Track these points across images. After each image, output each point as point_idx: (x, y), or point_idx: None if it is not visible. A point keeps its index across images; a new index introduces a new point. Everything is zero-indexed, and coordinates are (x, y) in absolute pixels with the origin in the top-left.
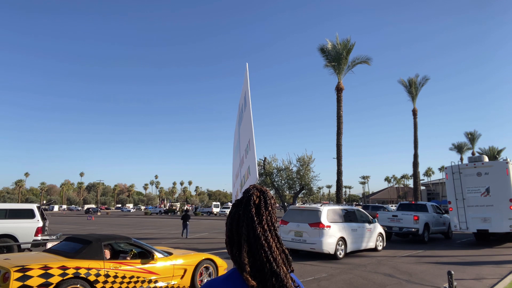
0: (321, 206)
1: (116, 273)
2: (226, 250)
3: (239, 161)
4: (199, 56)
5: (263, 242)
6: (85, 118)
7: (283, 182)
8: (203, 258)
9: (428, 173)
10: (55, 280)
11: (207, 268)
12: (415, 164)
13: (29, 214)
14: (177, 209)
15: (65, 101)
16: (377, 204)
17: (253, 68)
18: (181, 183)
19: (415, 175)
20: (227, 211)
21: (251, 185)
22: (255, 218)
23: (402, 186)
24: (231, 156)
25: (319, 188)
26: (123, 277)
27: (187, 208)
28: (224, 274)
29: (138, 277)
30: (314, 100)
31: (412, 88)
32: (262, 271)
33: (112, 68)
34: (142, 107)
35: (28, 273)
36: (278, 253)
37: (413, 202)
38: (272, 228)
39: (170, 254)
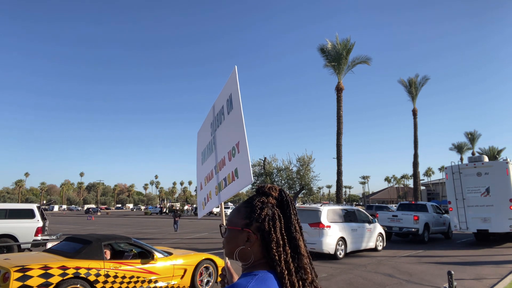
0: (321, 206)
1: (116, 273)
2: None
3: (214, 164)
4: (198, 56)
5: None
6: (85, 118)
7: (283, 182)
8: (203, 258)
9: (428, 173)
10: (55, 280)
11: (207, 268)
12: (415, 164)
13: (29, 214)
14: (166, 209)
15: (65, 101)
16: (380, 204)
17: (253, 68)
18: (181, 183)
19: (415, 175)
20: (228, 211)
21: (269, 185)
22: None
23: (402, 186)
24: None
25: (319, 188)
26: (123, 277)
27: (179, 208)
28: (254, 278)
29: (138, 277)
30: (314, 100)
31: (412, 88)
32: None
33: (112, 68)
34: (141, 107)
35: (28, 273)
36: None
37: (413, 202)
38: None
39: (170, 254)
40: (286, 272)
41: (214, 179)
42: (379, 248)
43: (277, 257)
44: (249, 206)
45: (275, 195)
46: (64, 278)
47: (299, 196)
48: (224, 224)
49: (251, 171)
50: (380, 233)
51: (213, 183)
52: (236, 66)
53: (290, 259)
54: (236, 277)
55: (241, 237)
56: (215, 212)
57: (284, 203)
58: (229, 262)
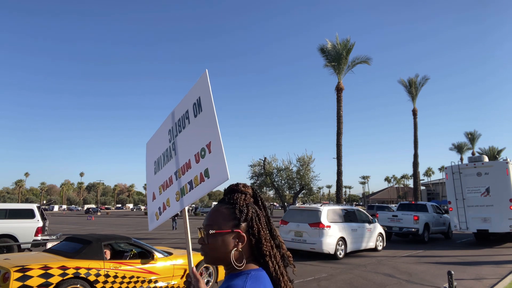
0: (321, 206)
1: (116, 273)
2: None
3: (174, 170)
4: (197, 56)
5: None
6: (85, 117)
7: (283, 182)
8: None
9: (428, 173)
10: (55, 280)
11: (207, 268)
12: (415, 164)
13: (29, 214)
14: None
15: (65, 101)
16: (381, 205)
17: (253, 68)
18: None
19: (415, 175)
20: None
21: (241, 183)
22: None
23: (402, 186)
24: (230, 155)
25: (319, 188)
26: (123, 277)
27: None
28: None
29: (138, 277)
30: (314, 100)
31: (412, 88)
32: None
33: (111, 68)
34: (142, 105)
35: (28, 273)
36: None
37: (413, 202)
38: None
39: (170, 254)
40: (276, 265)
41: (174, 185)
42: (379, 248)
43: (267, 252)
44: (233, 206)
45: (250, 192)
46: (64, 278)
47: (299, 196)
48: (201, 230)
49: (227, 168)
50: (380, 233)
51: (173, 189)
52: (207, 70)
53: (276, 251)
54: (202, 283)
55: (231, 239)
56: None
57: (257, 199)
58: (194, 267)
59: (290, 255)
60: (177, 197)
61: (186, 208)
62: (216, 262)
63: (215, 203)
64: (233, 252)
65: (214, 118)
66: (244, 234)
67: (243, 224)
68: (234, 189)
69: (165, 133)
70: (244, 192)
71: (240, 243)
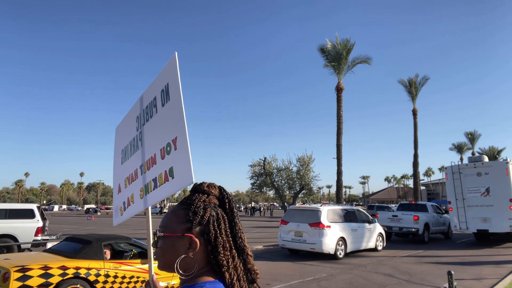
0: (321, 206)
1: (116, 273)
2: None
3: (139, 163)
4: (197, 55)
5: (247, 249)
6: (85, 117)
7: (283, 182)
8: None
9: (428, 173)
10: (55, 280)
11: None
12: (415, 164)
13: (29, 214)
14: (166, 209)
15: (65, 100)
16: (381, 205)
17: (252, 67)
18: None
19: (415, 175)
20: None
21: (207, 182)
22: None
23: (402, 186)
24: (230, 155)
25: (319, 188)
26: (123, 277)
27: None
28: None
29: (138, 277)
30: (314, 100)
31: (412, 88)
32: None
33: (110, 66)
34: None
35: (28, 273)
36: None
37: (413, 202)
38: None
39: None
40: (235, 277)
41: (139, 180)
42: (379, 248)
43: (225, 262)
44: (188, 207)
45: (216, 193)
46: (64, 278)
47: (299, 196)
48: (157, 232)
49: (192, 169)
50: (380, 233)
51: (138, 184)
52: (176, 53)
53: (238, 262)
54: None
55: (181, 244)
56: None
57: (225, 201)
58: (154, 275)
59: (258, 271)
60: (141, 194)
61: (150, 208)
62: (168, 269)
63: None
64: (180, 259)
65: (181, 110)
66: (196, 240)
67: (197, 228)
68: (196, 189)
69: (132, 120)
70: (207, 193)
71: (191, 250)
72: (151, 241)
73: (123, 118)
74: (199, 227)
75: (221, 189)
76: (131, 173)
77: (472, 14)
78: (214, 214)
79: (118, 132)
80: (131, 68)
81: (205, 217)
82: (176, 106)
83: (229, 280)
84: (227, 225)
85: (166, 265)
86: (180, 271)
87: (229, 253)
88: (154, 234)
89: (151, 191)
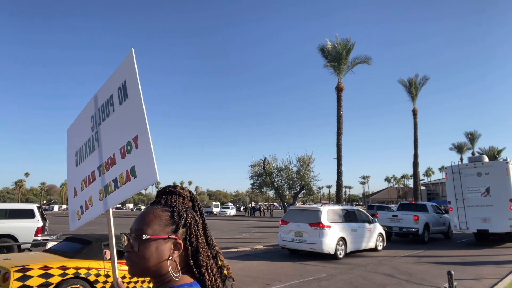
0: (321, 206)
1: None
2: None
3: (97, 164)
4: (196, 55)
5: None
6: None
7: (283, 182)
8: None
9: (428, 173)
10: (55, 280)
11: None
12: (415, 164)
13: (29, 214)
14: None
15: (65, 100)
16: (381, 204)
17: (252, 67)
18: (181, 183)
19: (415, 175)
20: (227, 211)
21: (177, 185)
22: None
23: (402, 186)
24: (230, 155)
25: (319, 188)
26: (123, 277)
27: None
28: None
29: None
30: (314, 100)
31: (412, 88)
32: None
33: (110, 67)
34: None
35: (28, 273)
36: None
37: (413, 202)
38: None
39: None
40: (213, 277)
41: (97, 182)
42: (379, 248)
43: (205, 263)
44: (171, 209)
45: (188, 196)
46: (64, 278)
47: (299, 196)
48: (128, 234)
49: (156, 167)
50: (380, 233)
51: (96, 186)
52: (133, 49)
53: (213, 263)
54: None
55: (166, 247)
56: (215, 213)
57: (195, 204)
58: (119, 278)
59: (229, 266)
60: (100, 196)
61: (111, 210)
62: (145, 274)
63: (215, 203)
64: (169, 261)
65: (141, 107)
66: (181, 242)
67: (181, 231)
68: (171, 191)
69: (87, 120)
70: (182, 195)
71: (176, 252)
72: (114, 243)
73: (76, 118)
74: (183, 230)
75: (190, 192)
76: (88, 175)
77: (472, 14)
78: (193, 216)
79: (71, 133)
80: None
81: (188, 219)
82: (135, 103)
83: (209, 281)
84: (201, 227)
85: (147, 271)
86: (175, 274)
87: (207, 254)
88: (128, 236)
89: (111, 192)
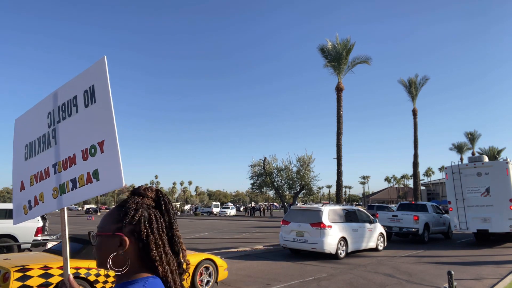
0: (322, 206)
1: None
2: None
3: (52, 161)
4: (194, 53)
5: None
6: None
7: (283, 182)
8: (203, 258)
9: (428, 173)
10: (55, 280)
11: (207, 268)
12: (415, 164)
13: None
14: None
15: None
16: (381, 205)
17: (252, 67)
18: (181, 183)
19: (415, 175)
20: (227, 211)
21: (144, 186)
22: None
23: (402, 186)
24: (230, 155)
25: (319, 188)
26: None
27: (178, 207)
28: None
29: None
30: (314, 100)
31: (412, 88)
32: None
33: (110, 67)
34: (141, 106)
35: (28, 273)
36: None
37: (413, 202)
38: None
39: None
40: (168, 270)
41: (51, 179)
42: (380, 248)
43: (158, 258)
44: (121, 209)
45: (151, 195)
46: None
47: (299, 196)
48: (92, 231)
49: (122, 173)
50: (381, 233)
51: (50, 183)
52: (105, 56)
53: (171, 257)
54: None
55: (112, 242)
56: (215, 212)
57: (161, 203)
58: (71, 275)
59: (189, 262)
60: (54, 194)
61: (66, 209)
62: (104, 266)
63: (215, 203)
64: (111, 256)
65: (111, 114)
66: (126, 238)
67: (129, 227)
68: (134, 192)
69: (42, 115)
70: (142, 195)
71: (121, 248)
72: (67, 242)
73: (28, 110)
74: (130, 227)
75: (157, 191)
76: (40, 171)
77: (472, 13)
78: (146, 214)
79: (20, 124)
80: (133, 65)
81: (135, 217)
82: (104, 109)
83: (162, 273)
84: (161, 225)
85: (101, 263)
86: (114, 268)
87: (161, 250)
88: (89, 233)
89: (68, 191)
